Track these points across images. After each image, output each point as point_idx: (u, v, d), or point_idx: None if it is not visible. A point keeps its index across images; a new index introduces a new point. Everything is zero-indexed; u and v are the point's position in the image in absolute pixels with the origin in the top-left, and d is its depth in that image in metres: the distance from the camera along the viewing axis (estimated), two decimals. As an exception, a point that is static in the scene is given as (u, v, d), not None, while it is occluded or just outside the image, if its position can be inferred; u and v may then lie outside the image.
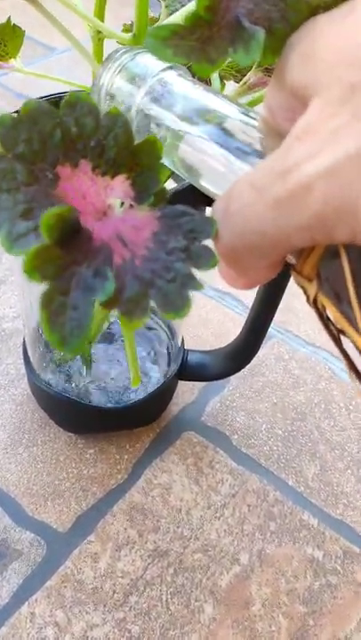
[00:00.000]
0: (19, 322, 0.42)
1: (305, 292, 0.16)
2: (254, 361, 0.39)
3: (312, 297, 0.16)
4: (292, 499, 0.34)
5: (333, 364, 0.42)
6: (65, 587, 0.30)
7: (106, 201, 0.15)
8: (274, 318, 0.31)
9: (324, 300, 0.15)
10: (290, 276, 0.30)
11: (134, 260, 0.14)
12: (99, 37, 0.27)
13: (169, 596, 0.30)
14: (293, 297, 0.46)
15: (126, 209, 0.16)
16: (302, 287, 0.16)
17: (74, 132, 0.15)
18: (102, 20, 0.27)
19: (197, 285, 0.15)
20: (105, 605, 0.29)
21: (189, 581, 0.31)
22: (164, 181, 0.17)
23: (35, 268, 0.13)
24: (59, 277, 0.13)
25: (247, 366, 0.36)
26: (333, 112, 0.13)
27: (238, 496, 0.34)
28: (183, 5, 0.27)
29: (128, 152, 0.15)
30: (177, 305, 0.14)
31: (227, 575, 0.31)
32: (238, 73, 0.28)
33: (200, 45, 0.15)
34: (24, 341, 0.35)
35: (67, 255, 0.14)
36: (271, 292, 0.30)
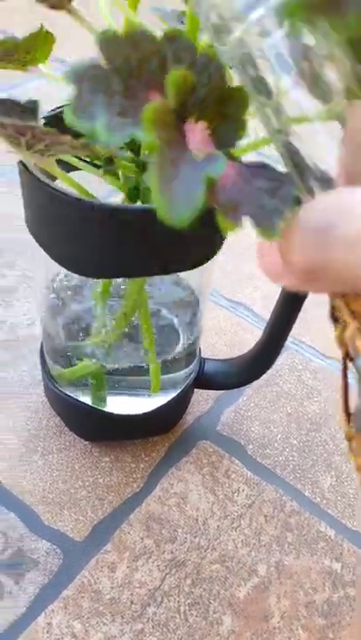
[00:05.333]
0: (33, 329, 0.42)
1: (338, 322, 0.15)
2: (268, 371, 0.39)
3: (351, 333, 0.15)
4: (309, 509, 0.34)
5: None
6: (82, 597, 0.29)
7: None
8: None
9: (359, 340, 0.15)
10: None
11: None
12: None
13: (187, 608, 0.30)
14: (306, 308, 0.46)
15: None
16: (340, 319, 0.15)
17: (170, 63, 0.15)
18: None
19: (287, 218, 0.14)
20: (123, 616, 0.29)
21: (207, 592, 0.30)
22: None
23: (153, 122, 0.13)
24: (172, 143, 0.13)
25: (261, 376, 0.35)
26: None
27: (255, 506, 0.34)
28: None
29: (217, 96, 0.15)
30: (273, 221, 0.14)
31: (245, 587, 0.31)
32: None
33: None
34: (41, 346, 0.35)
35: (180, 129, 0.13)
36: (293, 300, 0.30)
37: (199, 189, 0.13)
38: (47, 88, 0.46)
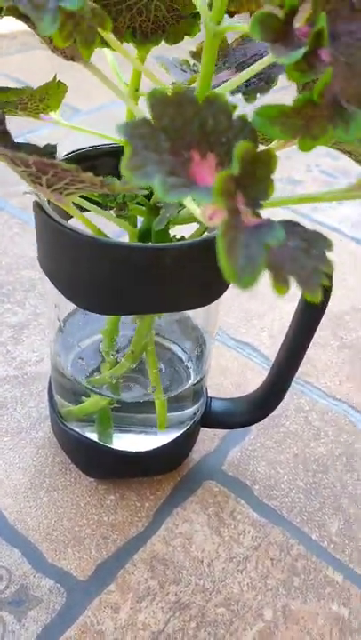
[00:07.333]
0: (41, 366, 0.42)
1: None
2: (274, 411, 0.39)
3: None
4: (316, 553, 0.34)
5: (354, 417, 0.41)
6: (85, 638, 0.29)
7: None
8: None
9: None
10: (319, 322, 0.30)
11: None
12: (136, 95, 0.29)
13: (191, 652, 0.29)
14: (312, 348, 0.47)
15: None
16: None
17: (209, 125, 0.16)
18: (139, 81, 0.29)
19: (325, 280, 0.15)
20: (125, 659, 0.28)
21: (212, 637, 0.30)
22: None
23: (222, 192, 0.14)
24: (232, 210, 0.14)
25: (267, 416, 0.36)
26: None
27: (261, 549, 0.33)
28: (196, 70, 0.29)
29: (249, 160, 0.16)
30: (315, 281, 0.14)
31: (250, 631, 0.30)
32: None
33: (305, 123, 0.16)
34: (49, 382, 0.36)
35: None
36: (299, 338, 0.31)
37: (261, 256, 0.14)
38: (57, 135, 0.48)
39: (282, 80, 0.25)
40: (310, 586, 0.32)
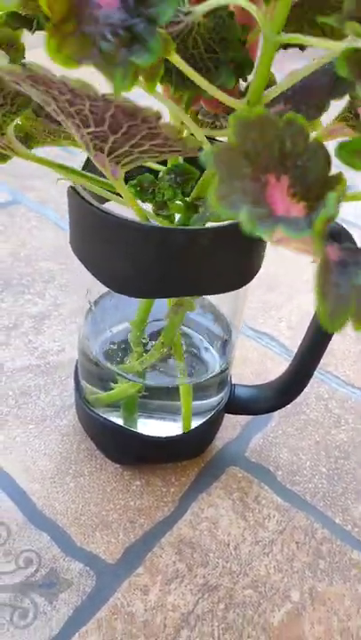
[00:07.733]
0: (63, 355, 0.43)
1: None
2: (294, 400, 0.39)
3: None
4: (340, 537, 0.34)
5: (374, 405, 0.42)
6: (115, 619, 0.29)
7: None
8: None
9: None
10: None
11: None
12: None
13: (221, 632, 0.29)
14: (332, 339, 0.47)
15: None
16: None
17: (287, 147, 0.16)
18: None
19: None
20: (157, 639, 0.29)
21: (241, 617, 0.30)
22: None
23: (321, 235, 0.14)
24: (326, 253, 0.14)
25: (290, 402, 0.36)
26: None
27: (286, 532, 0.34)
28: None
29: (320, 183, 0.16)
30: None
31: (278, 612, 0.30)
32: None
33: None
34: (75, 369, 0.36)
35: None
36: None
37: (350, 297, 0.14)
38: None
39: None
40: (336, 568, 0.32)
